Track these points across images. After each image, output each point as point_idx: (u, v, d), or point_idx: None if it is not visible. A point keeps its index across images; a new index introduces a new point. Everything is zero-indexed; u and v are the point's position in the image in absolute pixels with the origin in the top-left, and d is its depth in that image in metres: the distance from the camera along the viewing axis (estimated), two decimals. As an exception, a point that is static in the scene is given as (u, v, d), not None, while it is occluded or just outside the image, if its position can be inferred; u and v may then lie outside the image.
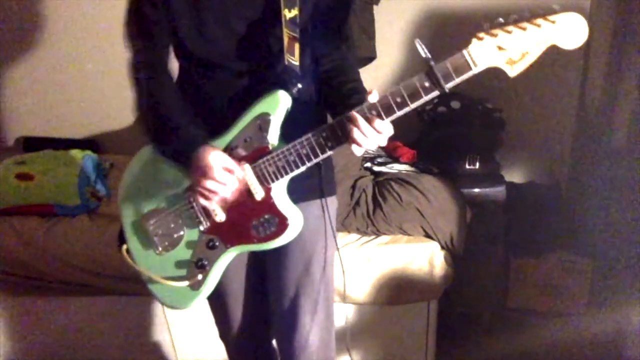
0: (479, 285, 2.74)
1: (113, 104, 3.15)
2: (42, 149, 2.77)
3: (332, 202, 1.73)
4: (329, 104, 1.60)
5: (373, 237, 2.43)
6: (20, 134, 3.19)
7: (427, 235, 2.43)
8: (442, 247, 2.44)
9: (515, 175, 3.12)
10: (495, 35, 1.29)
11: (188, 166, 1.49)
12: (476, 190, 2.71)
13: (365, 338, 2.49)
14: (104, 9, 3.02)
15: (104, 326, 2.46)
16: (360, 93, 1.50)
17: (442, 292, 2.46)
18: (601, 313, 2.67)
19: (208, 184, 1.44)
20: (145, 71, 1.54)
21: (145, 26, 1.50)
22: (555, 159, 3.16)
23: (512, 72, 1.32)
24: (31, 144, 3.10)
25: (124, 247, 1.64)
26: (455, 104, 2.84)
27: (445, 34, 2.87)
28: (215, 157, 1.44)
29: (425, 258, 2.40)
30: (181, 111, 1.54)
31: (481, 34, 1.30)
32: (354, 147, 1.40)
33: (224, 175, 1.44)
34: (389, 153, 2.78)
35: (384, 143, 1.41)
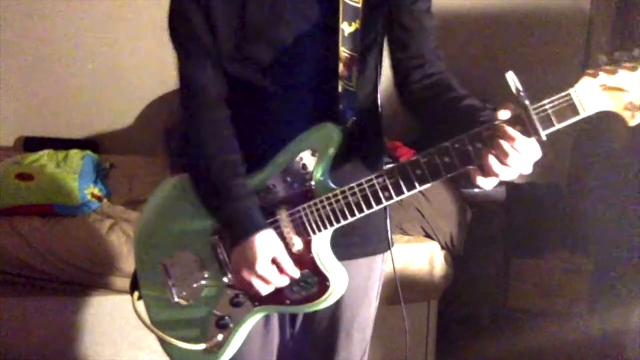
0: (479, 285, 2.74)
1: (113, 104, 3.15)
2: (42, 149, 2.77)
3: (386, 259, 1.50)
4: (439, 131, 1.25)
5: (373, 237, 2.43)
6: (20, 134, 3.19)
7: (427, 235, 2.43)
8: (442, 247, 2.43)
9: (515, 175, 3.11)
10: (612, 73, 1.03)
11: (233, 243, 1.26)
12: (476, 190, 2.71)
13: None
14: (104, 9, 3.02)
15: (104, 326, 2.46)
16: (484, 108, 1.18)
17: (442, 292, 2.46)
18: (601, 313, 2.67)
19: (248, 276, 1.23)
20: (196, 97, 1.31)
21: (192, 35, 1.27)
22: (555, 159, 3.16)
23: (633, 120, 1.05)
24: (31, 144, 3.09)
25: (136, 294, 1.43)
26: (455, 104, 2.84)
27: (445, 36, 2.87)
28: (263, 247, 1.21)
29: (425, 258, 2.40)
30: (238, 171, 1.28)
31: (594, 70, 1.04)
32: (480, 179, 1.10)
33: (271, 273, 1.22)
34: (389, 153, 2.78)
35: (529, 169, 1.08)
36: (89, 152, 2.80)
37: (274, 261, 1.23)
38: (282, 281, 1.24)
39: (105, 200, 2.58)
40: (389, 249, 1.46)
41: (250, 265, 1.22)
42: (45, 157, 2.69)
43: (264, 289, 1.25)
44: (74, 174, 2.55)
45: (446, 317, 2.58)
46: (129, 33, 3.01)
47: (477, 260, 2.68)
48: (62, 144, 2.92)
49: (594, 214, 2.82)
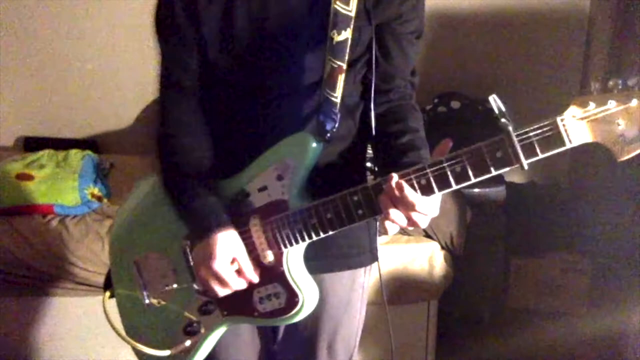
0: (479, 285, 2.74)
1: (113, 104, 3.15)
2: (42, 149, 2.77)
3: (369, 270, 1.44)
4: (379, 160, 1.31)
5: (373, 237, 2.43)
6: (20, 134, 3.19)
7: (427, 235, 2.43)
8: (442, 247, 2.43)
9: (515, 175, 3.12)
10: (602, 103, 0.95)
11: (194, 240, 1.25)
12: (476, 190, 2.71)
13: (365, 338, 2.49)
14: (104, 9, 3.02)
15: (104, 325, 2.46)
16: (417, 149, 1.22)
17: (442, 292, 2.46)
18: (601, 313, 2.67)
19: (205, 274, 1.21)
20: (174, 96, 1.29)
21: (175, 32, 1.26)
22: (556, 159, 3.16)
23: (623, 155, 0.98)
24: (31, 144, 3.10)
25: (107, 293, 1.43)
26: (455, 104, 2.84)
27: (446, 35, 2.87)
28: (223, 245, 1.19)
29: (425, 258, 2.40)
30: (204, 171, 1.27)
31: (582, 99, 0.96)
32: (387, 223, 1.10)
33: (228, 273, 1.19)
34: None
35: (425, 224, 1.10)
36: (89, 152, 2.81)
37: (233, 262, 1.20)
38: (240, 284, 1.21)
39: (105, 200, 2.58)
40: (372, 262, 1.40)
41: (208, 263, 1.19)
42: (45, 157, 2.69)
43: (221, 290, 1.22)
44: (74, 174, 2.55)
45: (446, 317, 2.58)
46: (129, 33, 3.01)
47: (477, 260, 2.68)
48: (62, 144, 2.92)
49: (594, 214, 2.82)
